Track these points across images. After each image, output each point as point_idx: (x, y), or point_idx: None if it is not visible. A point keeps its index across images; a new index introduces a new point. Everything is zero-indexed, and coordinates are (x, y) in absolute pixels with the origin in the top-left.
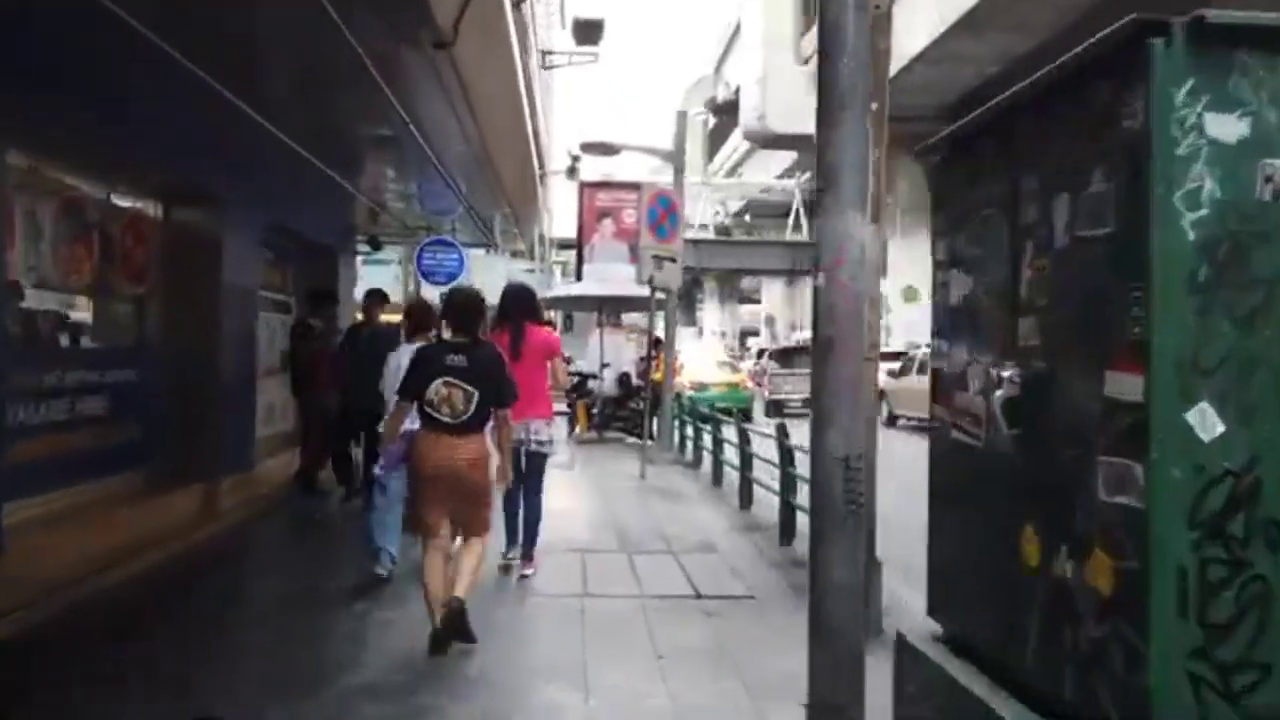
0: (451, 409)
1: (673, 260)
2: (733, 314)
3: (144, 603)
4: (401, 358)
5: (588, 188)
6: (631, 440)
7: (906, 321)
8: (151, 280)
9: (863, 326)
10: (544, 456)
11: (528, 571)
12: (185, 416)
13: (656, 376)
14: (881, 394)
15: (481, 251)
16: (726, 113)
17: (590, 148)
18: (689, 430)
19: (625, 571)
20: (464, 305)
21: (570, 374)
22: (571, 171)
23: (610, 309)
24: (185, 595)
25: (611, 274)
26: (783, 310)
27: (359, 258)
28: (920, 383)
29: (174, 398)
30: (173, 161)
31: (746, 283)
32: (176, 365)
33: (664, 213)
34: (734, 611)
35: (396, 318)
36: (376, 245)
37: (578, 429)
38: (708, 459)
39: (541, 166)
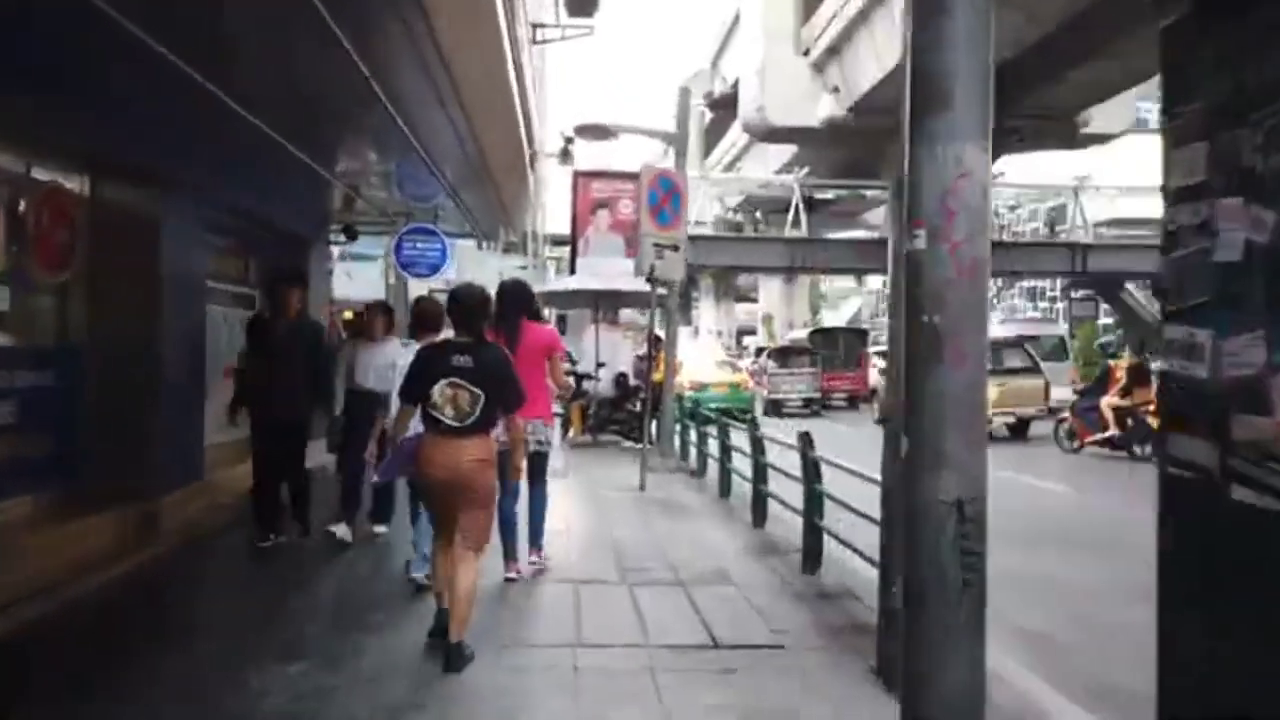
0: (456, 410)
1: (675, 249)
2: (728, 313)
3: (48, 654)
4: (406, 356)
5: (582, 177)
6: (628, 444)
7: None
8: (76, 267)
9: (985, 310)
10: (544, 456)
11: (535, 559)
12: (117, 425)
13: (656, 377)
14: (872, 392)
15: (471, 245)
16: (724, 107)
17: (586, 131)
18: (691, 435)
19: (626, 610)
20: (469, 303)
21: (565, 374)
22: (565, 154)
23: (606, 305)
24: (92, 647)
25: (607, 268)
26: (781, 309)
27: (335, 248)
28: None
29: (103, 403)
30: (101, 130)
31: (742, 281)
32: (106, 365)
33: (665, 196)
34: (761, 667)
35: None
36: (353, 234)
37: (571, 432)
38: (713, 467)
39: (532, 147)
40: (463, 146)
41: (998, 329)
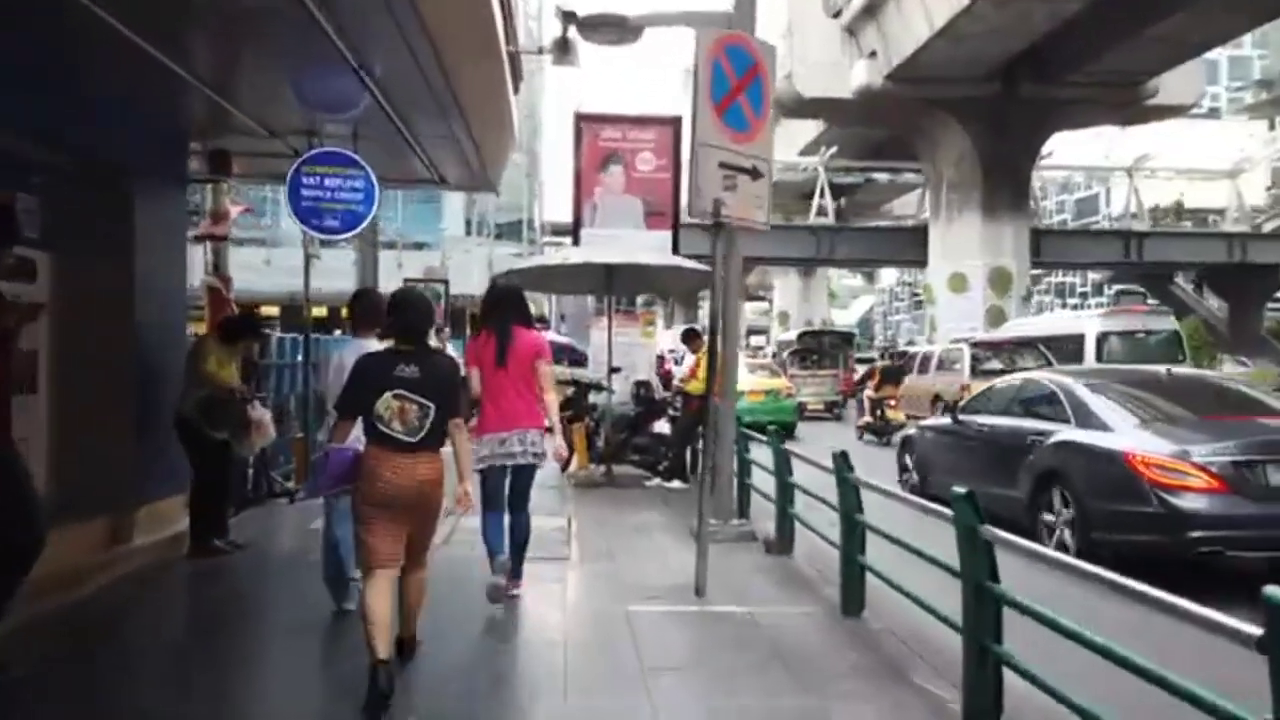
0: (405, 425)
1: (754, 174)
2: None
3: None
4: (345, 355)
5: (587, 122)
6: (654, 483)
7: (954, 312)
8: None
9: None
10: (534, 469)
11: (515, 592)
12: None
13: (691, 386)
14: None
15: (459, 231)
16: None
17: (592, 26)
18: (752, 472)
19: None
20: (413, 308)
21: (563, 383)
22: (563, 47)
23: (623, 287)
24: None
25: (626, 240)
26: (798, 305)
27: (229, 194)
28: (919, 381)
29: None
30: None
31: (751, 279)
32: None
33: (740, 82)
34: None
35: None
36: (223, 165)
37: (573, 465)
38: (804, 534)
39: (512, 43)
40: (397, 25)
41: (1099, 322)
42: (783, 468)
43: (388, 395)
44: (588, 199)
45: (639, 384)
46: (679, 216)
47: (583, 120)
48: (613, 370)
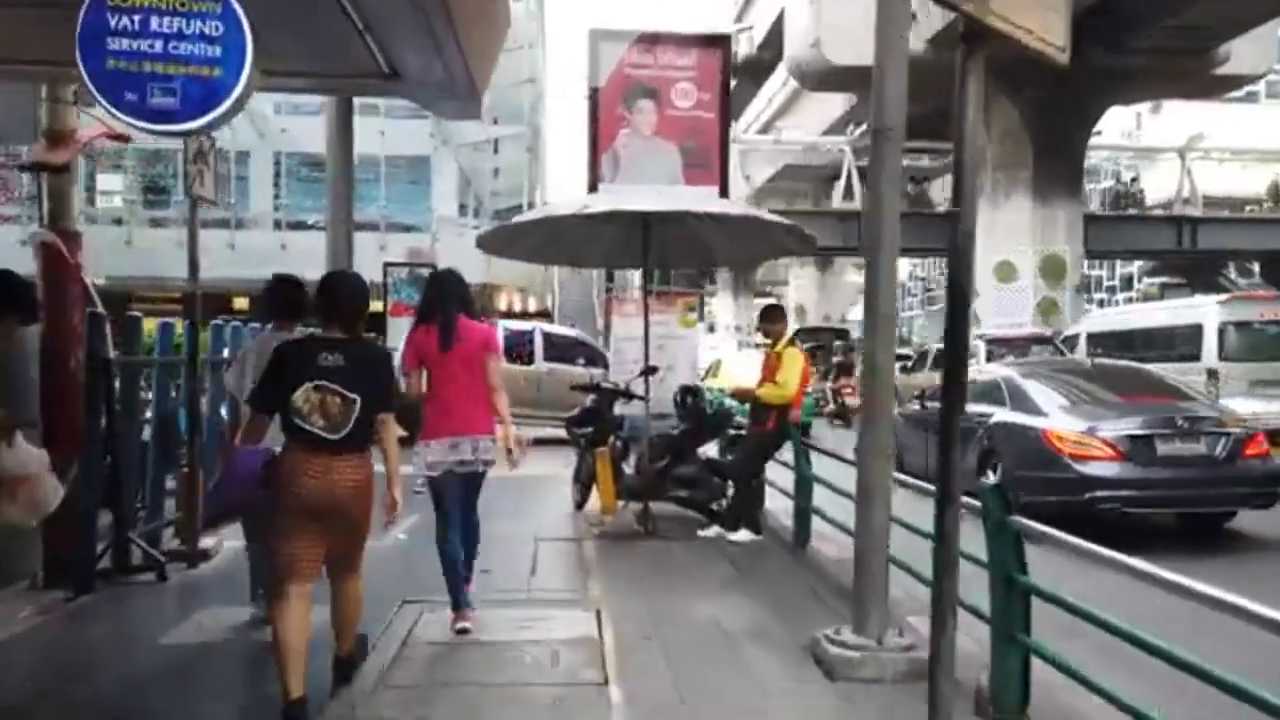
0: (327, 419)
1: None
2: (746, 307)
3: None
4: (259, 349)
5: (607, 42)
6: (712, 532)
7: (1000, 304)
8: None
9: None
10: (483, 476)
11: (463, 625)
12: None
13: (766, 392)
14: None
15: (454, 214)
16: (750, 71)
17: None
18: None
19: None
20: (342, 292)
21: (578, 388)
22: None
23: (661, 254)
24: None
25: (665, 189)
26: (815, 300)
27: (79, 106)
28: (930, 377)
29: None
30: None
31: (762, 273)
32: None
33: None
34: None
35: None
36: None
37: (594, 502)
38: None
39: None
40: None
41: (1219, 311)
42: (1008, 558)
43: (307, 386)
44: (606, 146)
45: (685, 391)
46: (727, 170)
47: (601, 40)
48: (647, 371)
